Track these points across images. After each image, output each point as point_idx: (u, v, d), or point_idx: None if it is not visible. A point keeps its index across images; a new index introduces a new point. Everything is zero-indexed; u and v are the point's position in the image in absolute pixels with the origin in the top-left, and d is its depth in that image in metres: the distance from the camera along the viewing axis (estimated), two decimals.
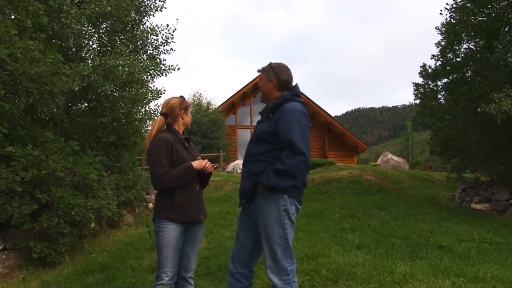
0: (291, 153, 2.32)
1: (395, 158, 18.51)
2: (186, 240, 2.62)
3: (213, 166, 2.92)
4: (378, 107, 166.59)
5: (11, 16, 4.95)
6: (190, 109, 2.77)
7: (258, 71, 2.70)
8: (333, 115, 23.96)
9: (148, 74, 7.06)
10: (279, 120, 2.40)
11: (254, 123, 22.32)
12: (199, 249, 2.75)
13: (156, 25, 7.39)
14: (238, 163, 16.85)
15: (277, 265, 2.36)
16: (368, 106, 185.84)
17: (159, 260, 2.52)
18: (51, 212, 4.57)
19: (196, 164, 2.58)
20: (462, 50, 8.87)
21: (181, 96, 2.75)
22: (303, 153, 2.32)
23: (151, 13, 7.55)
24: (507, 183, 7.78)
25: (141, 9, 7.35)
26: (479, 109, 6.78)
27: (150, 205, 8.56)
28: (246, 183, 2.50)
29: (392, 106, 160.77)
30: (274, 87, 2.57)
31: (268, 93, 2.59)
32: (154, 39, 7.46)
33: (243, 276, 2.51)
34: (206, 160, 2.66)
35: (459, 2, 8.39)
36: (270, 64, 2.62)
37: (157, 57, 7.56)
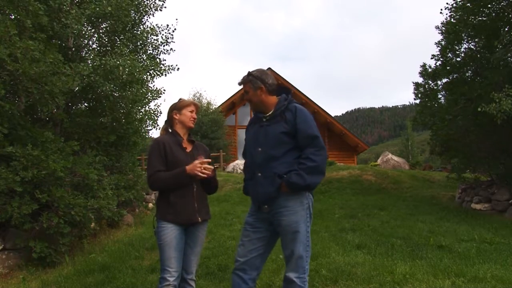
0: (316, 150, 2.35)
1: (395, 158, 18.51)
2: (186, 241, 2.61)
3: (215, 167, 2.83)
4: (378, 107, 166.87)
5: (11, 16, 4.94)
6: (190, 108, 2.72)
7: (240, 83, 2.65)
8: (333, 115, 23.96)
9: (148, 74, 7.06)
10: (295, 119, 2.42)
11: None
12: (201, 250, 2.73)
13: (156, 25, 7.41)
14: (238, 163, 16.81)
15: (297, 263, 2.38)
16: (368, 106, 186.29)
17: (162, 260, 2.50)
18: (51, 212, 4.57)
19: (189, 168, 2.49)
20: (462, 50, 8.86)
21: (179, 99, 2.80)
22: (325, 148, 2.40)
23: (151, 12, 7.55)
24: (507, 183, 7.78)
25: (141, 8, 7.35)
26: (479, 109, 6.78)
27: (150, 205, 8.57)
28: (268, 188, 2.39)
29: (392, 106, 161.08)
30: (265, 93, 2.56)
31: (261, 100, 2.56)
32: (154, 39, 7.47)
33: (251, 278, 2.50)
34: (197, 162, 2.51)
35: (459, 1, 8.37)
36: (251, 74, 2.58)
37: (157, 57, 7.57)
